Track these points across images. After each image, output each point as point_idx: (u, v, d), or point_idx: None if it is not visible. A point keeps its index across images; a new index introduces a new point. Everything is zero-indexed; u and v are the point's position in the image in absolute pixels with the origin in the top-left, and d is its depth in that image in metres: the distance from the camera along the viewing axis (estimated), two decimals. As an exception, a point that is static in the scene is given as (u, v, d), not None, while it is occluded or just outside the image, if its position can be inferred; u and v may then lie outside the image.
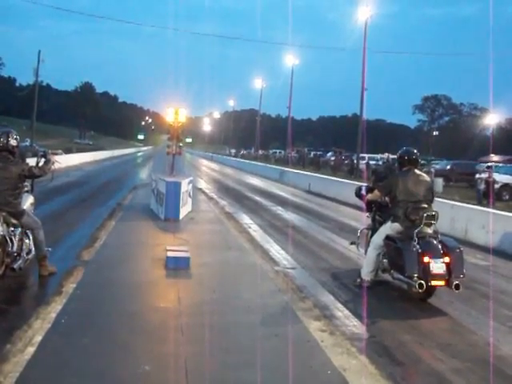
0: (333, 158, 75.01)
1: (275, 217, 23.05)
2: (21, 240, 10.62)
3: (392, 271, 10.97)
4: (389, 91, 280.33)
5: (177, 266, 11.82)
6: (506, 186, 35.49)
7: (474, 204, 26.04)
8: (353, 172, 52.06)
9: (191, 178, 24.05)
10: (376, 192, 11.81)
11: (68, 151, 67.11)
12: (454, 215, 20.17)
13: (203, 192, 31.40)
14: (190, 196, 21.94)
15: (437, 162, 60.64)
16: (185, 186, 20.22)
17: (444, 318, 9.92)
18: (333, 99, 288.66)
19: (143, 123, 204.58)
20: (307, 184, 38.70)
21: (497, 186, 34.59)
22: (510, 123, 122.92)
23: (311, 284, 11.81)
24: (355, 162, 56.76)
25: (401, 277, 10.58)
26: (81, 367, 6.81)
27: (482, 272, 14.19)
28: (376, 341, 8.46)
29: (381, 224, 11.67)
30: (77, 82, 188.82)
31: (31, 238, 11.00)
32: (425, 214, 10.62)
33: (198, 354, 7.33)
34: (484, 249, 17.02)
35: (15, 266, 10.25)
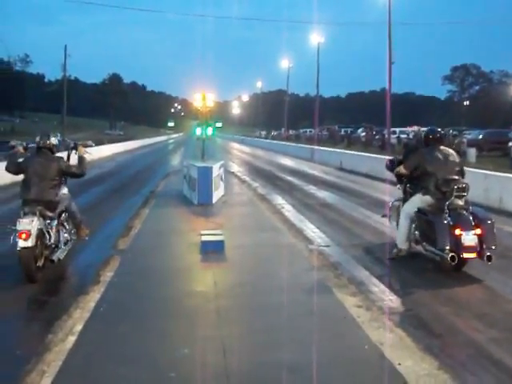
0: (363, 134, 74.48)
1: (308, 196, 23.04)
2: (57, 232, 11.09)
3: (424, 243, 11.05)
4: (417, 63, 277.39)
5: (211, 250, 11.91)
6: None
7: (508, 172, 25.70)
8: (384, 147, 51.55)
9: (222, 162, 24.10)
10: (402, 168, 11.95)
11: (99, 143, 67.43)
12: (487, 185, 19.95)
13: (235, 175, 31.47)
14: (222, 180, 22.00)
15: (469, 132, 59.77)
16: (216, 171, 20.29)
17: (480, 289, 9.87)
18: (361, 75, 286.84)
19: (172, 110, 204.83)
20: (339, 161, 38.51)
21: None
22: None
23: (346, 261, 11.82)
24: (386, 136, 56.31)
25: (433, 249, 10.63)
26: (121, 354, 6.93)
27: (518, 240, 14.06)
28: (412, 314, 8.46)
29: (412, 196, 11.77)
30: (104, 74, 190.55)
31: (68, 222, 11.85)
32: (455, 186, 10.68)
33: (236, 336, 7.42)
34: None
35: (54, 257, 10.74)
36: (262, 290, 9.53)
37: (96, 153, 50.68)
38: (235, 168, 37.69)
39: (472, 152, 40.60)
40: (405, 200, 12.17)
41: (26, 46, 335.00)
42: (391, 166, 12.91)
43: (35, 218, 10.13)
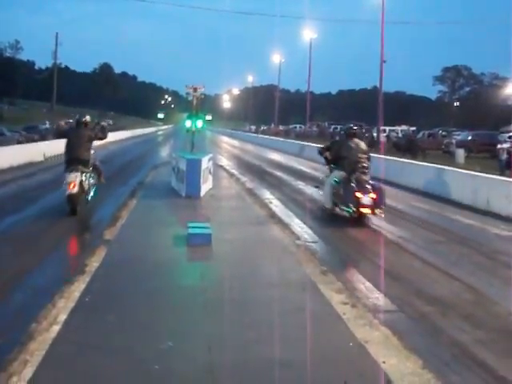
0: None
1: (296, 191, 23.10)
2: (89, 180, 16.41)
3: (339, 204, 15.96)
4: (409, 63, 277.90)
5: (199, 243, 11.86)
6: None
7: (496, 174, 25.81)
8: (373, 145, 51.60)
9: (211, 155, 24.06)
10: (328, 154, 17.36)
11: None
12: (475, 186, 20.06)
13: (224, 169, 31.38)
14: (210, 173, 21.95)
15: (458, 132, 60.02)
16: (205, 163, 20.24)
17: (466, 289, 9.91)
18: (352, 72, 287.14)
19: (163, 102, 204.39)
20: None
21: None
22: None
23: (333, 257, 11.87)
24: (375, 134, 56.42)
25: (343, 207, 15.56)
26: (105, 344, 6.89)
27: (504, 242, 14.14)
28: (398, 312, 8.49)
29: (332, 172, 16.96)
30: (95, 63, 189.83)
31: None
32: (359, 166, 16.00)
33: (221, 330, 7.37)
34: (507, 219, 16.90)
35: (88, 197, 16.46)
36: (248, 285, 9.49)
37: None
38: (224, 161, 37.61)
39: (461, 153, 40.82)
40: (330, 176, 16.97)
41: (17, 32, 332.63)
42: (321, 152, 17.86)
43: (78, 173, 15.47)
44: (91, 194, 16.63)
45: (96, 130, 17.71)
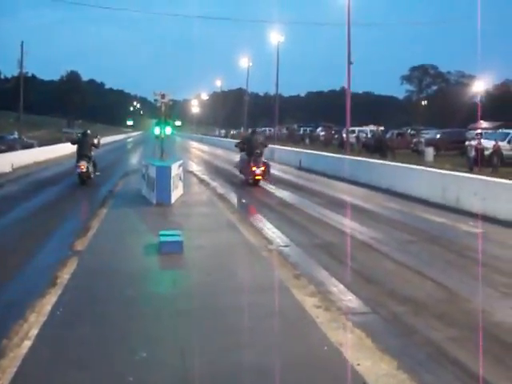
0: (323, 133, 74.86)
1: (267, 195, 23.10)
2: (91, 167, 26.16)
3: (244, 174, 26.80)
4: (376, 63, 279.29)
5: (170, 251, 11.82)
6: (495, 152, 35.27)
7: (465, 172, 26.05)
8: (343, 146, 51.84)
9: (181, 162, 23.96)
10: (241, 145, 27.69)
11: (57, 141, 66.51)
12: (444, 184, 20.24)
13: (194, 174, 31.31)
14: (180, 179, 21.88)
15: (427, 131, 60.46)
16: (175, 170, 20.15)
17: (438, 287, 10.00)
18: (320, 74, 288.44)
19: (131, 109, 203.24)
20: (298, 160, 38.58)
21: (487, 152, 34.54)
22: (497, 89, 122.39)
23: (305, 261, 11.88)
24: (344, 135, 56.64)
25: (244, 176, 26.60)
26: (78, 358, 6.79)
27: (474, 239, 14.24)
28: (371, 314, 8.52)
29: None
30: (62, 71, 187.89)
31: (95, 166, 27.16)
32: (256, 151, 25.63)
33: (195, 337, 7.34)
34: (476, 216, 17.03)
35: (91, 176, 26.23)
36: (221, 292, 9.45)
37: (52, 152, 50.33)
38: (194, 167, 37.49)
39: (430, 151, 41.16)
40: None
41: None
42: (237, 144, 28.47)
43: (85, 162, 25.37)
44: (92, 176, 26.55)
45: (94, 139, 28.50)
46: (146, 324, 7.94)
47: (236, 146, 28.56)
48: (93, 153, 26.68)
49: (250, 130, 38.15)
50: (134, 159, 47.80)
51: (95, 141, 28.43)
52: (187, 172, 28.99)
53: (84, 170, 25.36)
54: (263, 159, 26.03)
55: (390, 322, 8.20)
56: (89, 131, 28.81)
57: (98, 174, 27.43)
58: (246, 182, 25.93)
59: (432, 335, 7.61)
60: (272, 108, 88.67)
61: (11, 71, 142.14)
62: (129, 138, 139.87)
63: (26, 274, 11.31)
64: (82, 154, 25.85)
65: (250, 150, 25.98)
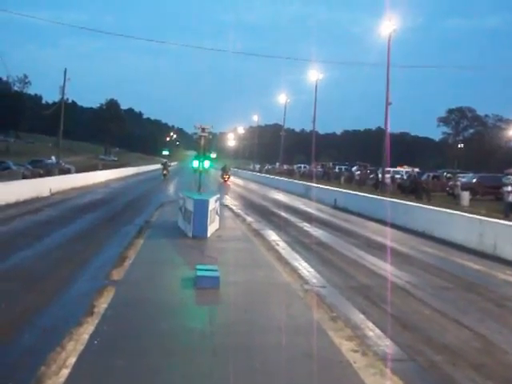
0: (358, 173, 74.73)
1: (302, 233, 23.03)
2: (167, 174, 75.08)
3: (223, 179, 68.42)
4: (414, 104, 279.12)
5: (207, 286, 11.86)
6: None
7: (501, 218, 25.78)
8: (378, 186, 51.71)
9: (218, 196, 24.09)
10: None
11: (94, 168, 67.36)
12: (482, 230, 20.03)
13: (229, 208, 31.46)
14: (217, 214, 21.97)
15: (463, 175, 60.09)
16: (212, 204, 20.26)
17: (475, 336, 9.88)
18: (357, 113, 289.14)
19: (168, 139, 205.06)
20: (333, 199, 38.54)
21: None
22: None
23: (341, 303, 11.80)
24: (380, 175, 56.48)
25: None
26: (115, 390, 6.85)
27: (512, 289, 14.10)
28: (409, 361, 8.43)
29: None
30: (102, 99, 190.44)
31: None
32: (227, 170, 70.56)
33: (231, 376, 7.32)
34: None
35: (167, 176, 74.22)
36: (257, 330, 9.45)
37: (90, 178, 50.91)
38: (229, 201, 37.64)
39: (466, 195, 40.71)
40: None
41: (25, 67, 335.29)
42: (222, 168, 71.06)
43: (166, 170, 73.53)
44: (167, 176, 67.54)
45: (168, 163, 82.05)
46: (180, 360, 7.96)
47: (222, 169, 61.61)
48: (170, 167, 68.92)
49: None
50: (170, 190, 48.16)
51: (169, 163, 74.84)
52: (222, 206, 29.09)
53: (166, 173, 70.31)
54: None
55: (428, 370, 8.11)
56: (166, 160, 73.90)
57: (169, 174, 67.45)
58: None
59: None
60: (307, 144, 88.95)
61: (52, 97, 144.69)
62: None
63: (63, 301, 11.39)
64: (164, 168, 72.14)
65: (224, 170, 68.68)
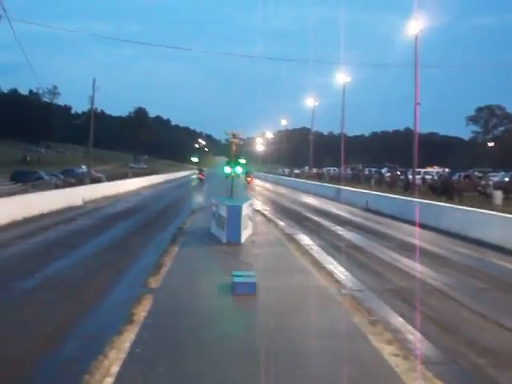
0: (388, 174, 74.34)
1: (335, 237, 22.98)
2: (203, 176, 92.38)
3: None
4: (442, 104, 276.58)
5: (244, 292, 11.89)
6: None
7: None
8: (408, 187, 51.31)
9: (251, 201, 24.13)
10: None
11: (124, 176, 67.72)
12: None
13: (261, 213, 31.46)
14: (250, 219, 22.00)
15: (494, 174, 59.62)
16: (245, 209, 20.30)
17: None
18: (385, 114, 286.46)
19: (197, 146, 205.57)
20: (364, 202, 38.38)
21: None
22: None
23: (379, 306, 11.75)
24: (410, 177, 56.10)
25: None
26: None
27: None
28: (451, 364, 8.38)
29: None
30: (130, 107, 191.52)
31: None
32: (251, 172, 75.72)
33: (273, 382, 7.34)
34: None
35: (203, 179, 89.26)
36: (297, 336, 9.44)
37: (121, 186, 51.27)
38: (261, 206, 37.67)
39: (498, 194, 40.30)
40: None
41: (54, 78, 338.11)
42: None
43: (202, 174, 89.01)
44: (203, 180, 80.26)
45: (203, 168, 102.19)
46: (221, 366, 7.99)
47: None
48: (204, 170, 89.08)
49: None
50: (200, 196, 48.30)
51: (204, 168, 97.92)
52: (254, 211, 29.11)
53: (202, 177, 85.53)
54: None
55: (471, 373, 8.05)
56: (202, 168, 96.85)
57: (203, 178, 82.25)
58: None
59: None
60: (335, 147, 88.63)
61: (81, 106, 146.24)
62: (193, 174, 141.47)
63: (102, 309, 11.52)
64: (200, 172, 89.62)
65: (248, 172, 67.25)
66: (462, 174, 61.11)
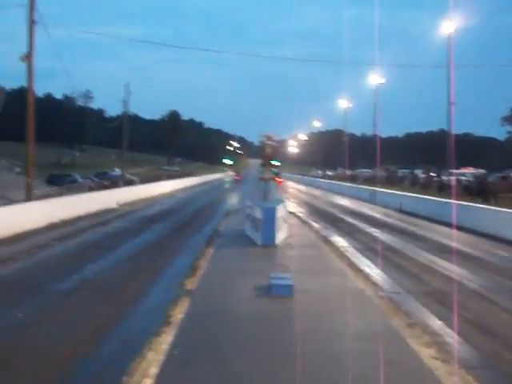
0: (422, 176, 73.80)
1: (371, 239, 22.86)
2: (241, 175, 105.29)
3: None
4: (476, 104, 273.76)
5: (281, 294, 11.88)
6: None
7: None
8: (443, 189, 50.84)
9: (285, 203, 24.10)
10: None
11: (157, 178, 68.19)
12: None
13: (296, 216, 31.41)
14: (284, 221, 21.96)
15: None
16: (280, 211, 20.27)
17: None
18: (419, 115, 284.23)
19: (231, 148, 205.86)
20: (399, 203, 38.13)
21: None
22: None
23: (417, 309, 11.67)
24: (444, 178, 55.64)
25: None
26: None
27: None
28: (493, 369, 8.28)
29: None
30: (163, 110, 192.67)
31: None
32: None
33: (312, 384, 7.32)
34: None
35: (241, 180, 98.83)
36: (335, 338, 9.41)
37: (155, 189, 51.59)
38: (295, 208, 37.62)
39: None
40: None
41: (87, 82, 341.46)
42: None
43: (239, 176, 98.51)
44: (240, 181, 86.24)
45: (240, 170, 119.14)
46: (260, 368, 7.97)
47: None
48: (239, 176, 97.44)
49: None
50: (234, 198, 48.37)
51: (240, 171, 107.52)
52: (288, 213, 29.07)
53: (238, 177, 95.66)
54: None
55: (512, 377, 7.96)
56: (238, 169, 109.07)
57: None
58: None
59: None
60: (368, 149, 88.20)
61: (115, 110, 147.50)
62: (226, 177, 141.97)
63: (139, 311, 11.60)
64: (237, 174, 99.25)
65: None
66: (499, 175, 60.42)
